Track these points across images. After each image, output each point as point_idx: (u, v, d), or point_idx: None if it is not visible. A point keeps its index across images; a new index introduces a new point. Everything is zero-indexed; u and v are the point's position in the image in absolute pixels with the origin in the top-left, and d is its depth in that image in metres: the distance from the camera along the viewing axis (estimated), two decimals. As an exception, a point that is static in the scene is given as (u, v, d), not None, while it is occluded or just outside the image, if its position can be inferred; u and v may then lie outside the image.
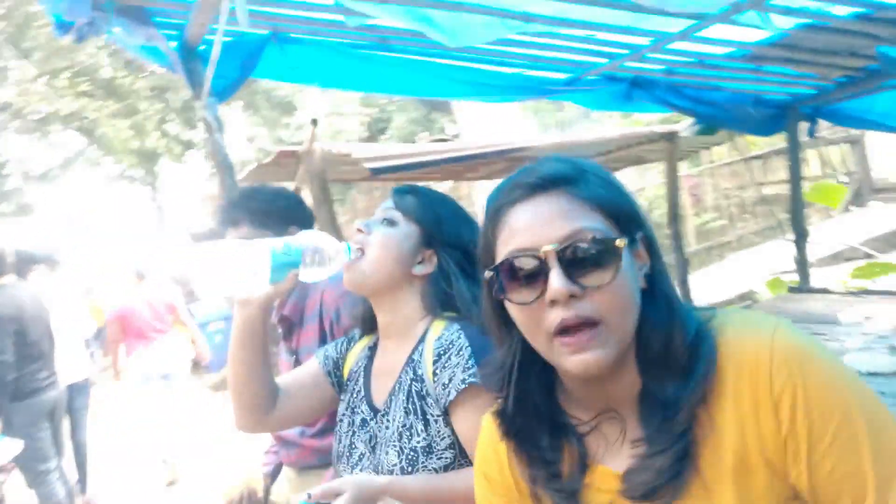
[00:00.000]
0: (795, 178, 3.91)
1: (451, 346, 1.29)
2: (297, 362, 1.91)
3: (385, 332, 1.46)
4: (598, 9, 2.20)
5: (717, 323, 0.85)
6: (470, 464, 1.26)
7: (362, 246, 1.36)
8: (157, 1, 2.09)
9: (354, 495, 1.13)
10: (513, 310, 0.87)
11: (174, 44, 2.23)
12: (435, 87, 2.84)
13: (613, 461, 0.89)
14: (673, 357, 0.82)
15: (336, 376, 1.55)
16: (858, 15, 2.42)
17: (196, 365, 10.35)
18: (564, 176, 0.84)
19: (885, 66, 3.02)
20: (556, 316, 0.80)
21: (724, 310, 0.89)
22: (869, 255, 6.00)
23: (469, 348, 1.27)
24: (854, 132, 10.21)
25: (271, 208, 1.91)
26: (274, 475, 2.10)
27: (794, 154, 3.86)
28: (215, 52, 1.96)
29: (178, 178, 22.03)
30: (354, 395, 1.47)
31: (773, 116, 3.76)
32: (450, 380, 1.26)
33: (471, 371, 1.24)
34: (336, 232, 3.53)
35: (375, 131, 15.24)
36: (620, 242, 0.79)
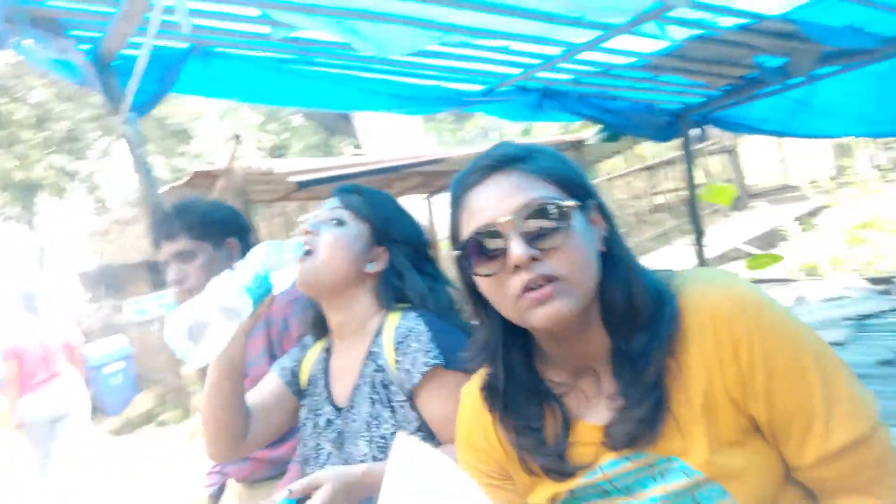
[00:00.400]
0: (691, 181, 4.23)
1: (410, 332, 1.32)
2: (245, 375, 1.86)
3: (339, 332, 1.47)
4: (514, 19, 2.32)
5: (677, 281, 0.94)
6: (438, 445, 1.29)
7: (312, 247, 1.37)
8: (73, 12, 2.01)
9: (335, 486, 1.13)
10: (482, 283, 0.95)
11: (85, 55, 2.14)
12: (357, 100, 2.87)
13: (594, 415, 0.97)
14: (636, 312, 0.91)
15: (295, 385, 1.54)
16: (741, 26, 2.67)
17: (94, 409, 9.68)
18: (515, 155, 0.94)
19: (762, 75, 3.35)
20: (519, 279, 0.88)
21: (682, 270, 0.98)
22: (750, 254, 6.56)
23: (429, 332, 1.30)
24: (728, 143, 11.14)
25: (208, 220, 1.87)
26: (217, 495, 2.03)
27: (688, 158, 4.17)
28: (140, 63, 1.91)
29: (60, 215, 20.59)
30: (316, 398, 1.47)
31: (668, 123, 4.06)
32: (412, 364, 1.29)
33: (433, 353, 1.27)
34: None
35: (274, 157, 15.01)
36: (570, 204, 0.88)
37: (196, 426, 7.31)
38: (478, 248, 0.91)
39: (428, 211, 6.37)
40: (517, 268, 0.87)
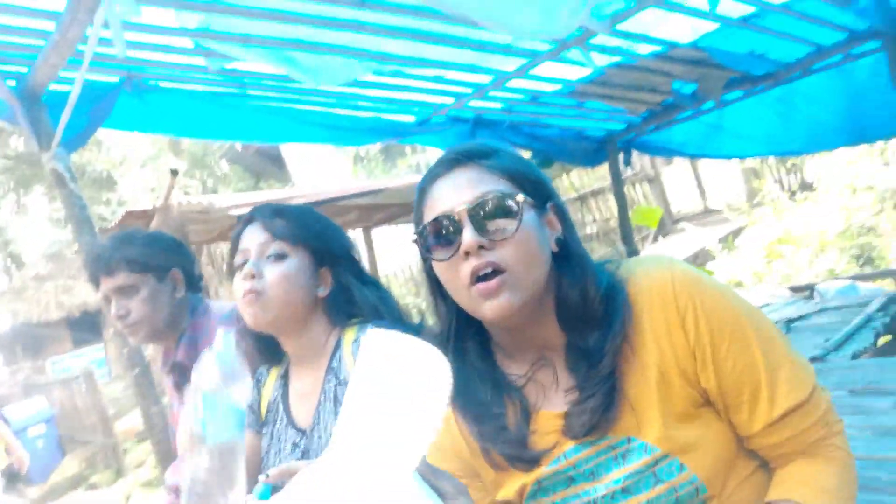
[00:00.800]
0: (621, 203, 4.42)
1: None
2: (196, 407, 1.80)
3: (297, 359, 1.45)
4: (447, 48, 2.41)
5: (623, 271, 1.00)
6: None
7: (257, 290, 1.32)
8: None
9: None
10: (438, 268, 0.99)
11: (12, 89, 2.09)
12: (293, 132, 2.89)
13: (552, 404, 1.00)
14: (590, 311, 0.96)
15: (259, 423, 1.52)
16: (656, 54, 2.87)
17: (13, 476, 9.02)
18: (478, 152, 0.99)
19: (677, 100, 3.58)
20: (469, 266, 0.92)
21: (624, 260, 1.04)
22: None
23: None
24: (650, 171, 11.66)
25: (150, 252, 1.82)
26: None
27: (617, 181, 4.37)
28: (74, 94, 1.87)
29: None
30: (277, 426, 1.44)
31: (595, 150, 4.26)
32: None
33: None
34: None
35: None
36: (520, 198, 0.93)
37: (131, 486, 6.90)
38: (435, 234, 0.96)
39: (367, 245, 6.36)
40: (468, 254, 0.92)
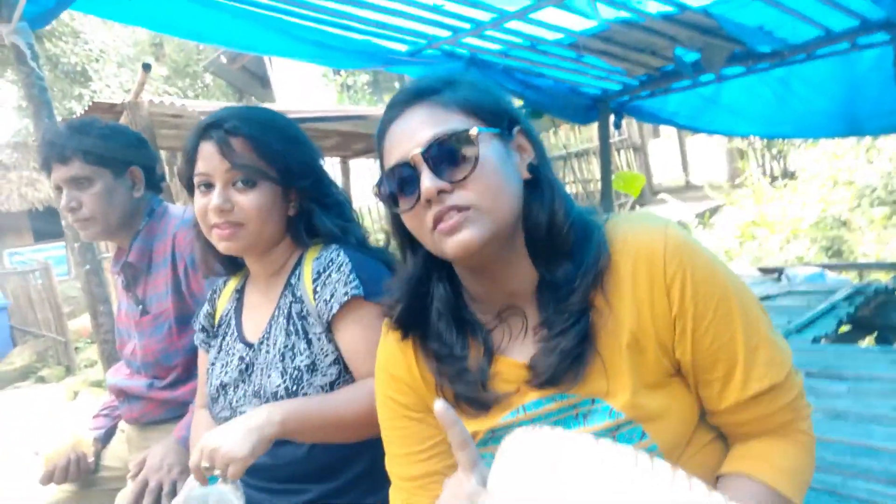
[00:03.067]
0: (606, 165, 4.37)
1: (330, 263, 1.29)
2: (145, 312, 1.76)
3: (256, 275, 1.42)
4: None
5: (611, 221, 0.95)
6: (353, 379, 1.27)
7: (231, 224, 1.25)
8: None
9: None
10: (405, 219, 0.95)
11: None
12: (280, 45, 2.75)
13: (518, 353, 0.97)
14: (559, 238, 0.91)
15: (209, 337, 1.49)
16: (665, 14, 2.77)
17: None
18: (430, 87, 0.93)
19: (678, 67, 3.49)
20: (431, 213, 0.88)
21: (617, 213, 1.00)
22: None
23: (349, 264, 1.27)
24: (637, 140, 11.63)
25: (109, 144, 1.73)
26: (105, 439, 1.91)
27: (605, 143, 4.30)
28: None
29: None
30: (227, 338, 1.41)
31: (587, 107, 4.17)
32: (331, 295, 1.25)
33: (353, 284, 1.24)
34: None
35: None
36: (474, 132, 0.88)
37: (79, 383, 6.88)
38: (395, 184, 0.92)
39: (343, 175, 6.24)
40: (429, 202, 0.87)
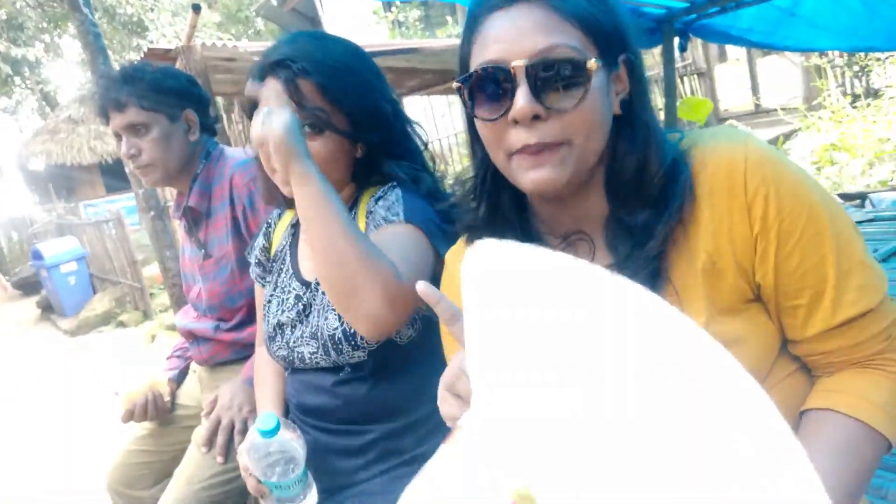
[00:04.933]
0: (670, 91, 4.12)
1: (383, 197, 1.24)
2: (207, 256, 1.77)
3: None
4: None
5: (689, 141, 0.86)
6: (415, 321, 1.25)
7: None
8: None
9: None
10: (479, 126, 0.86)
11: None
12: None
13: None
14: (645, 186, 0.83)
15: (265, 271, 1.48)
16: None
17: (47, 309, 9.53)
18: None
19: (753, -23, 3.21)
20: (517, 138, 0.79)
21: (693, 130, 0.90)
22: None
23: (401, 199, 1.21)
24: (702, 65, 11.01)
25: (162, 87, 1.71)
26: (179, 380, 1.98)
27: (669, 66, 4.05)
28: None
29: (1, 111, 19.56)
30: (282, 275, 1.40)
31: (650, 30, 3.91)
32: (374, 221, 1.21)
33: (393, 211, 1.18)
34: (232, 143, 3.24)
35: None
36: (592, 65, 0.77)
37: (156, 327, 7.23)
38: (482, 86, 0.82)
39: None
40: (517, 122, 0.79)
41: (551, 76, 0.77)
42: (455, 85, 0.85)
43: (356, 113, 1.22)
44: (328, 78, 1.18)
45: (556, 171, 0.79)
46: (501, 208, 0.93)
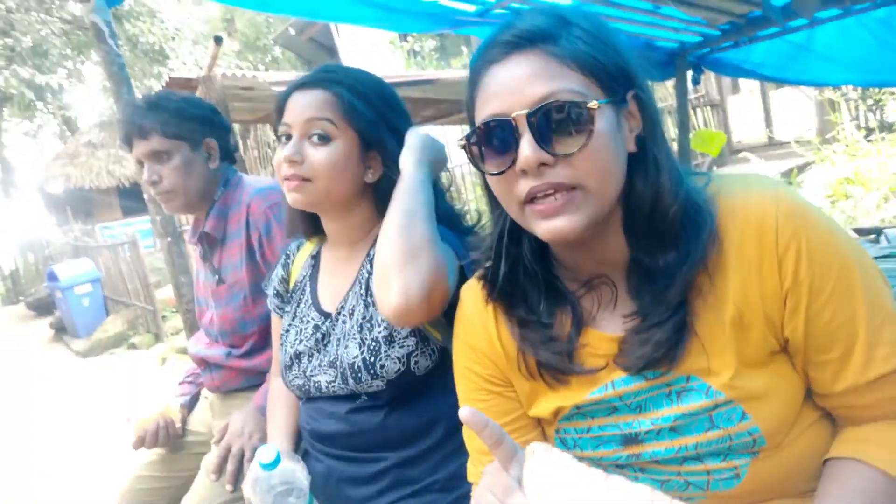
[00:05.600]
0: (683, 124, 4.15)
1: None
2: (221, 281, 1.79)
3: (335, 240, 1.40)
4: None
5: (715, 187, 0.84)
6: (429, 349, 1.25)
7: (299, 176, 1.23)
8: None
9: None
10: (490, 181, 0.85)
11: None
12: (344, 11, 2.71)
13: (608, 326, 0.89)
14: (660, 225, 0.81)
15: (283, 302, 1.49)
16: (752, -45, 2.55)
17: (60, 330, 9.58)
18: (542, 32, 0.79)
19: (766, 12, 3.24)
20: (526, 185, 0.78)
21: (720, 174, 0.89)
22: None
23: None
24: (715, 97, 11.05)
25: (185, 116, 1.75)
26: (190, 406, 1.98)
27: (682, 100, 4.09)
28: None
29: (23, 135, 19.94)
30: (301, 305, 1.41)
31: (664, 63, 3.95)
32: None
33: None
34: (249, 171, 3.29)
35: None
36: (594, 105, 0.76)
37: (167, 350, 7.26)
38: (487, 141, 0.81)
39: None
40: (524, 171, 0.78)
41: (554, 122, 0.76)
42: (460, 144, 0.86)
43: (367, 125, 1.25)
44: (346, 90, 1.24)
45: (572, 218, 0.78)
46: (523, 260, 0.93)
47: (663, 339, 0.80)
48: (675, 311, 0.80)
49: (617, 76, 0.81)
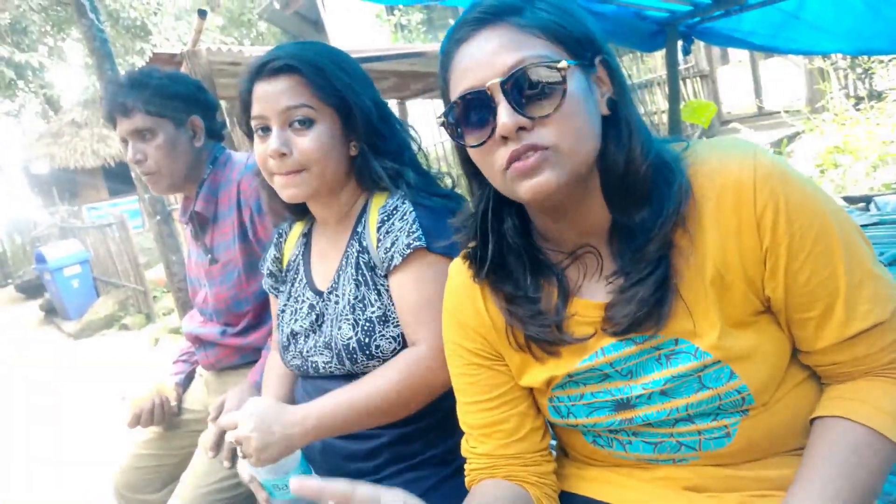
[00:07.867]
0: (674, 94, 4.12)
1: (395, 210, 1.24)
2: (214, 261, 1.78)
3: (323, 220, 1.39)
4: None
5: (693, 151, 0.86)
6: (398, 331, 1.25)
7: (292, 171, 1.21)
8: None
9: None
10: (472, 153, 0.86)
11: None
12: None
13: (594, 293, 0.91)
14: (635, 183, 0.83)
15: (277, 282, 1.48)
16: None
17: (50, 312, 9.54)
18: (509, 6, 0.82)
19: (757, -20, 3.21)
20: (506, 150, 0.80)
21: (697, 140, 0.90)
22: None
23: (414, 213, 1.22)
24: (705, 67, 11.01)
25: (168, 93, 1.71)
26: (185, 384, 1.98)
27: (672, 71, 4.05)
28: None
29: (4, 115, 19.64)
30: (296, 284, 1.40)
31: (653, 33, 3.92)
32: (393, 244, 1.21)
33: (416, 234, 1.19)
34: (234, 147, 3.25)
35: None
36: (564, 65, 0.78)
37: (160, 330, 7.24)
38: (464, 115, 0.83)
39: (402, 117, 6.14)
40: (504, 138, 0.80)
41: (527, 87, 0.78)
42: (439, 121, 0.87)
43: (343, 99, 1.23)
44: (311, 68, 1.21)
45: (552, 174, 0.79)
46: (506, 236, 0.94)
47: (646, 295, 0.82)
48: (655, 266, 0.82)
49: (583, 41, 0.83)
